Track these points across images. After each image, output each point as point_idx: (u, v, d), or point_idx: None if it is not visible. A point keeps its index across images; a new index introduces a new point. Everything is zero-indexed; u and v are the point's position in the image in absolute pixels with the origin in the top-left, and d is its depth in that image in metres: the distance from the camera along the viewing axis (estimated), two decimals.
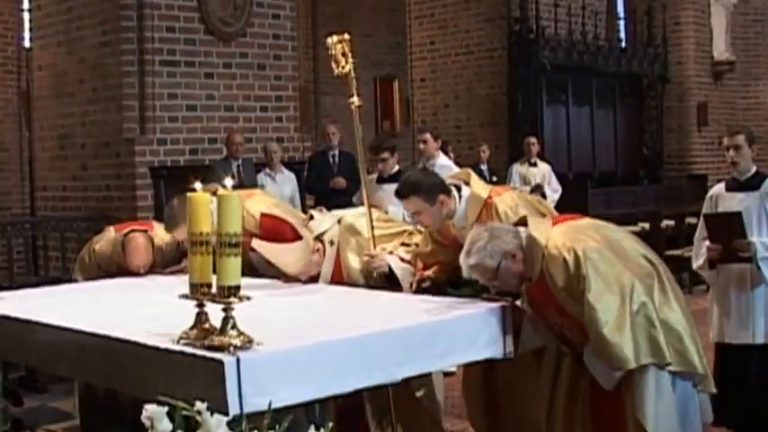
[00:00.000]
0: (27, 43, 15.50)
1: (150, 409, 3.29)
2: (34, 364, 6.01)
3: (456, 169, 10.90)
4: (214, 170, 10.26)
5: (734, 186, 6.83)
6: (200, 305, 3.86)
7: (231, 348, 3.61)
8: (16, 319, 4.96)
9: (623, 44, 19.09)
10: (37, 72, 12.60)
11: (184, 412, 3.16)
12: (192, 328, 3.84)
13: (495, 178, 14.37)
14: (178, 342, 3.82)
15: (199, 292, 3.82)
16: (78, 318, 4.63)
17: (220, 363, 3.54)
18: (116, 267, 6.72)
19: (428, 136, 10.83)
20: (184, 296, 3.88)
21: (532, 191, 14.36)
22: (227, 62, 11.50)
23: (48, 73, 12.11)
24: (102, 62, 11.14)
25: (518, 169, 14.58)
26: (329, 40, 6.44)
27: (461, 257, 4.75)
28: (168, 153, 10.97)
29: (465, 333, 4.52)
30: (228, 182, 3.76)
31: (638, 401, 4.49)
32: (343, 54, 6.37)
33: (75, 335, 4.39)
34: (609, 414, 4.69)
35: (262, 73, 11.78)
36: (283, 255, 5.79)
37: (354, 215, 6.17)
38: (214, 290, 3.79)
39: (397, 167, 9.83)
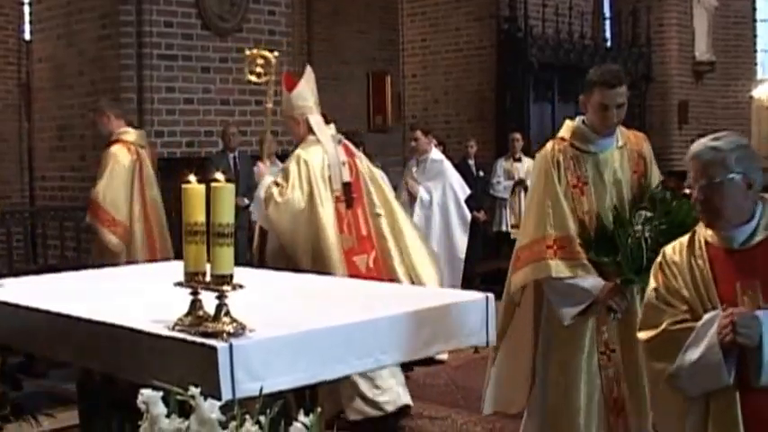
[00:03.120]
0: (27, 36, 15.48)
1: (146, 394, 3.29)
2: (33, 349, 6.01)
3: (447, 162, 10.92)
4: (211, 162, 10.28)
5: None
6: (195, 293, 3.88)
7: (224, 335, 3.64)
8: (16, 306, 4.96)
9: (608, 44, 19.13)
10: (37, 64, 12.60)
11: (179, 397, 3.16)
12: (186, 315, 3.86)
13: (482, 173, 14.40)
14: (173, 329, 3.84)
15: (193, 280, 3.84)
16: (76, 305, 4.64)
17: (214, 349, 3.57)
18: None
19: (418, 133, 10.86)
20: (179, 284, 3.90)
21: (516, 185, 14.42)
22: (224, 57, 11.52)
23: (47, 65, 12.11)
24: (102, 55, 11.15)
25: (502, 164, 14.62)
26: (248, 52, 7.57)
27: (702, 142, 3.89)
28: (165, 145, 10.99)
29: (450, 322, 4.55)
30: (219, 175, 3.77)
31: None
32: (263, 65, 7.42)
33: (73, 321, 4.41)
34: None
35: None
36: None
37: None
38: (208, 278, 3.81)
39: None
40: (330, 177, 7.22)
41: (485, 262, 13.89)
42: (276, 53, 7.58)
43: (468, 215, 10.91)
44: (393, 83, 19.60)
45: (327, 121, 7.60)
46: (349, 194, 7.32)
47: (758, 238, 3.84)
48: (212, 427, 3.02)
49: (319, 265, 6.94)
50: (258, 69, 7.46)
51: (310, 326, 4.04)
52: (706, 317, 3.71)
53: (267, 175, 7.44)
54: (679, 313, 3.84)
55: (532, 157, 14.58)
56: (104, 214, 8.12)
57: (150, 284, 5.45)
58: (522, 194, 14.40)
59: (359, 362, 4.14)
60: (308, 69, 7.75)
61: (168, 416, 3.18)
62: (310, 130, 7.38)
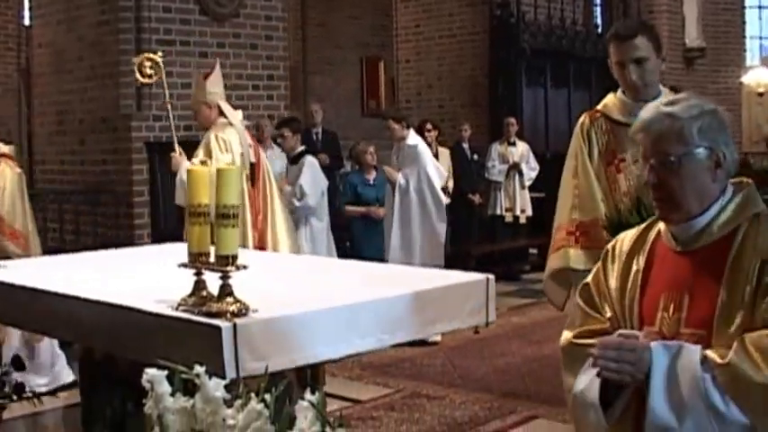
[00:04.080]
0: (27, 21, 15.44)
1: (150, 373, 3.27)
2: (34, 329, 5.99)
3: (423, 147, 10.84)
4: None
5: None
6: (199, 273, 3.86)
7: (228, 315, 3.62)
8: (18, 287, 4.94)
9: (599, 30, 19.10)
10: (37, 49, 12.54)
11: (183, 376, 3.14)
12: (190, 296, 3.84)
13: (476, 156, 14.40)
14: (177, 309, 3.82)
15: (197, 260, 3.82)
16: (80, 286, 4.62)
17: (218, 328, 3.55)
18: None
19: (390, 122, 10.73)
20: (183, 265, 3.88)
21: (510, 169, 14.42)
22: (221, 42, 11.47)
23: (47, 50, 12.05)
24: (101, 40, 11.10)
25: (497, 148, 14.63)
26: (134, 59, 8.16)
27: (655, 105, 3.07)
28: (163, 129, 10.91)
29: (451, 303, 4.52)
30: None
31: None
32: (151, 67, 7.91)
33: (76, 302, 4.38)
34: None
35: (254, 53, 11.76)
36: None
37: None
38: (212, 259, 3.79)
39: (300, 149, 9.97)
40: (243, 155, 7.80)
41: (480, 245, 13.92)
42: (161, 53, 8.10)
43: (444, 199, 10.87)
44: (386, 68, 19.60)
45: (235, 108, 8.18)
46: (254, 174, 7.96)
47: (712, 235, 2.97)
48: (217, 406, 3.00)
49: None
50: (148, 71, 7.95)
51: (313, 306, 4.01)
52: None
53: (184, 161, 7.96)
54: (598, 322, 3.15)
55: (525, 141, 14.71)
56: (6, 227, 8.02)
57: (152, 266, 5.43)
58: (517, 178, 14.43)
59: (361, 341, 4.11)
60: (218, 65, 8.38)
61: (173, 394, 3.16)
62: (221, 114, 7.92)
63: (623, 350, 2.83)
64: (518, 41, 16.30)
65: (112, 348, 4.41)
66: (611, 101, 4.87)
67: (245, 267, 3.70)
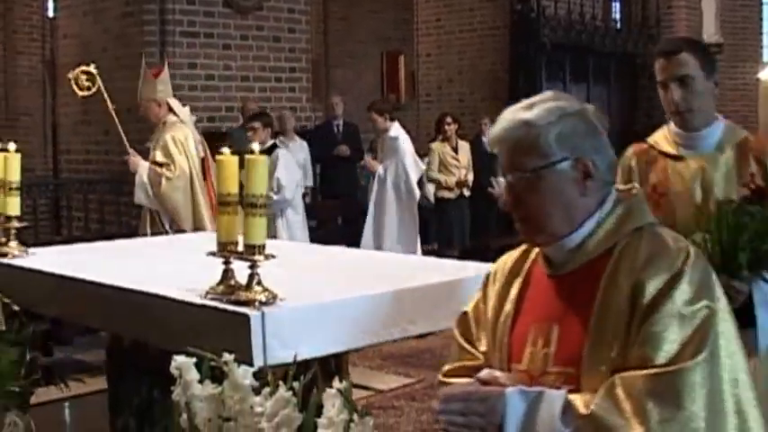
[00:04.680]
0: (50, 13, 15.48)
1: (179, 360, 3.28)
2: (62, 316, 6.01)
3: (403, 139, 10.77)
4: (231, 137, 10.26)
5: None
6: (227, 262, 3.86)
7: (256, 303, 3.62)
8: (46, 273, 4.96)
9: (618, 25, 19.04)
10: (62, 40, 12.58)
11: (212, 363, 3.15)
12: (218, 284, 3.84)
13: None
14: (205, 297, 3.83)
15: (226, 249, 3.83)
16: (108, 273, 4.63)
17: (246, 317, 3.55)
18: None
19: (373, 114, 10.75)
20: (212, 254, 3.88)
21: None
22: (244, 34, 11.51)
23: (73, 41, 12.10)
24: (125, 32, 11.14)
25: None
26: (70, 75, 8.27)
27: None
28: None
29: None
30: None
31: None
32: (87, 80, 8.13)
33: (105, 289, 4.39)
34: None
35: (277, 45, 11.79)
36: None
37: None
38: (240, 248, 3.79)
39: (271, 142, 9.98)
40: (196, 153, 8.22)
41: (498, 238, 13.88)
42: (93, 65, 8.30)
43: (417, 192, 10.89)
44: (407, 62, 19.59)
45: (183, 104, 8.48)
46: (204, 168, 8.34)
47: (586, 256, 2.51)
48: (245, 393, 3.01)
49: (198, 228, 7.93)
50: (86, 84, 8.18)
51: (339, 296, 4.02)
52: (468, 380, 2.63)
53: (141, 162, 8.31)
54: (473, 358, 2.74)
55: None
56: None
57: (179, 254, 5.44)
58: None
59: (386, 331, 4.11)
60: (166, 64, 8.85)
61: (201, 382, 3.17)
62: (170, 111, 8.27)
63: (472, 401, 2.42)
64: (538, 36, 16.25)
65: (141, 336, 4.43)
66: (661, 132, 4.29)
67: (273, 257, 3.70)
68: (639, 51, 18.27)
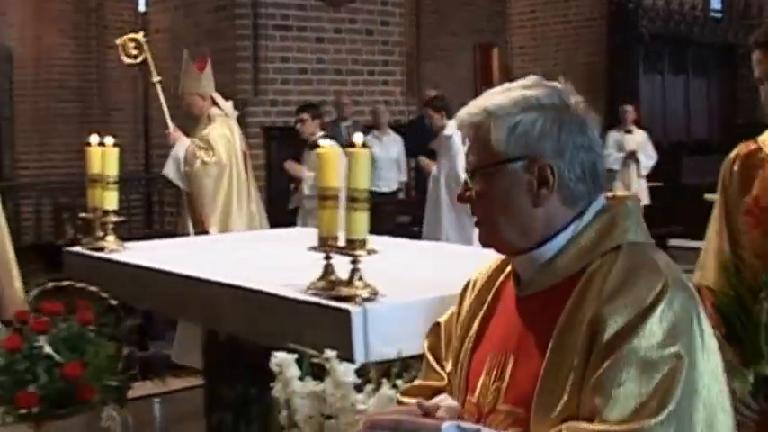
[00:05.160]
0: (142, 7, 15.67)
1: (279, 357, 3.28)
2: (159, 311, 6.08)
3: (457, 139, 10.55)
4: (325, 131, 10.31)
5: None
6: (328, 257, 3.86)
7: (358, 299, 3.62)
8: (143, 268, 5.01)
9: (719, 15, 18.77)
10: (154, 35, 12.71)
11: (314, 360, 3.15)
12: (319, 280, 3.85)
13: None
14: (306, 292, 3.83)
15: (326, 244, 3.83)
16: (206, 268, 4.67)
17: (348, 313, 3.55)
18: None
19: (429, 111, 10.31)
20: (313, 248, 3.89)
21: (627, 158, 14.22)
22: (337, 27, 11.53)
23: (164, 36, 12.23)
24: (218, 26, 11.23)
25: (614, 136, 14.41)
26: (118, 41, 8.41)
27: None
28: (280, 114, 11.05)
29: None
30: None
31: None
32: (135, 48, 8.28)
33: (203, 284, 4.43)
34: None
35: (370, 38, 11.80)
36: None
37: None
38: (341, 243, 3.79)
39: (320, 134, 9.83)
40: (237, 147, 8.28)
41: None
42: (142, 33, 8.54)
43: None
44: (501, 54, 19.50)
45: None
46: (245, 162, 8.40)
47: (554, 277, 2.11)
48: (347, 390, 3.01)
49: (223, 225, 8.03)
50: (133, 52, 8.29)
51: (441, 292, 3.99)
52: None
53: (183, 137, 8.44)
54: (438, 377, 2.43)
55: (643, 128, 14.50)
56: None
57: (276, 249, 5.46)
58: (633, 167, 14.21)
59: None
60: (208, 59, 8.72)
61: (302, 378, 3.17)
62: (214, 104, 8.35)
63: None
64: (636, 27, 16.09)
65: (240, 332, 4.44)
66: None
67: (374, 252, 3.70)
68: (740, 42, 17.95)
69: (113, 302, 5.10)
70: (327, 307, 3.66)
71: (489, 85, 19.75)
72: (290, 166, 10.04)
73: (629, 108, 14.47)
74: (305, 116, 9.88)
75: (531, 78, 2.22)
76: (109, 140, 5.61)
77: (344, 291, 3.67)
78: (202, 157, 8.12)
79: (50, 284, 5.23)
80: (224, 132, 8.20)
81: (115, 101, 16.99)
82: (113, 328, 5.08)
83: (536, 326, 2.09)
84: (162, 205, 11.61)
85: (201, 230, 8.04)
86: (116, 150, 5.57)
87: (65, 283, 5.21)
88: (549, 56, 17.32)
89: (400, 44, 12.41)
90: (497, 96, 2.16)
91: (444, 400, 2.26)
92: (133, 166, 16.47)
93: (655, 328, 1.91)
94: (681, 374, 1.88)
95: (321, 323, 3.68)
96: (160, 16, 12.44)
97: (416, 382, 2.50)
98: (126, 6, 17.25)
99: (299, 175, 9.77)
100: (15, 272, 6.15)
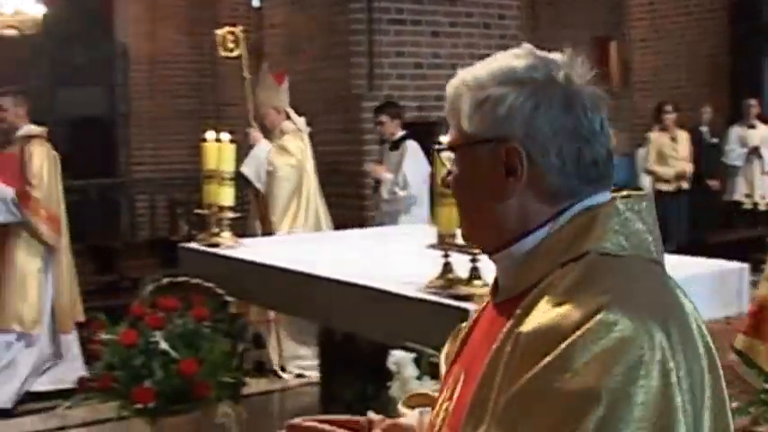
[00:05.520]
0: (256, 2, 15.82)
1: (397, 355, 3.26)
2: (274, 307, 6.11)
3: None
4: (441, 126, 10.25)
5: None
6: (446, 255, 3.83)
7: (477, 298, 3.58)
8: (259, 264, 5.03)
9: None
10: (269, 30, 12.82)
11: (432, 359, 3.12)
12: (438, 278, 3.82)
13: (715, 140, 13.98)
14: (424, 291, 3.81)
15: (445, 242, 3.80)
16: (323, 265, 4.67)
17: (467, 312, 3.51)
18: None
19: (384, 117, 10.04)
20: (432, 246, 3.86)
21: (750, 153, 13.92)
22: (453, 21, 11.45)
23: (279, 31, 12.31)
24: (332, 20, 11.25)
25: (736, 131, 14.11)
26: (218, 32, 8.63)
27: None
28: None
29: (708, 291, 4.39)
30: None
31: None
32: (232, 41, 8.51)
33: (320, 281, 4.43)
34: None
35: (486, 32, 11.70)
36: None
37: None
38: (459, 240, 3.76)
39: (400, 134, 9.77)
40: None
41: (717, 232, 13.50)
42: (241, 28, 8.81)
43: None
44: (619, 47, 19.25)
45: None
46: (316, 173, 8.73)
47: (522, 282, 1.72)
48: None
49: (291, 227, 8.23)
50: (230, 45, 8.52)
51: None
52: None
53: (263, 140, 8.61)
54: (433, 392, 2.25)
55: (767, 123, 14.17)
56: (41, 209, 7.73)
57: (390, 246, 5.45)
58: (756, 162, 13.91)
59: None
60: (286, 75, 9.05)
61: (419, 378, 3.14)
62: (288, 118, 8.53)
63: None
64: (759, 16, 15.73)
65: (357, 329, 4.44)
66: None
67: None
68: None
69: (228, 299, 5.14)
70: (447, 306, 3.63)
71: (606, 78, 19.54)
72: (371, 167, 10.03)
73: (753, 102, 14.14)
74: (383, 118, 9.78)
75: (524, 47, 1.88)
76: (225, 136, 5.66)
77: (463, 289, 3.64)
78: (289, 161, 8.37)
79: (165, 280, 5.29)
80: (298, 144, 8.45)
81: (229, 97, 17.18)
82: (228, 324, 5.12)
83: (488, 341, 1.73)
84: None
85: (268, 231, 8.20)
86: (232, 146, 5.62)
87: (180, 278, 5.27)
88: (671, 49, 17.01)
89: (517, 38, 12.29)
90: (480, 67, 1.83)
91: (410, 417, 2.09)
92: None
93: (572, 356, 1.51)
94: (592, 415, 1.47)
95: (440, 322, 3.65)
96: (275, 11, 12.52)
97: (421, 391, 2.32)
98: (240, 2, 17.43)
99: (379, 176, 9.73)
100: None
